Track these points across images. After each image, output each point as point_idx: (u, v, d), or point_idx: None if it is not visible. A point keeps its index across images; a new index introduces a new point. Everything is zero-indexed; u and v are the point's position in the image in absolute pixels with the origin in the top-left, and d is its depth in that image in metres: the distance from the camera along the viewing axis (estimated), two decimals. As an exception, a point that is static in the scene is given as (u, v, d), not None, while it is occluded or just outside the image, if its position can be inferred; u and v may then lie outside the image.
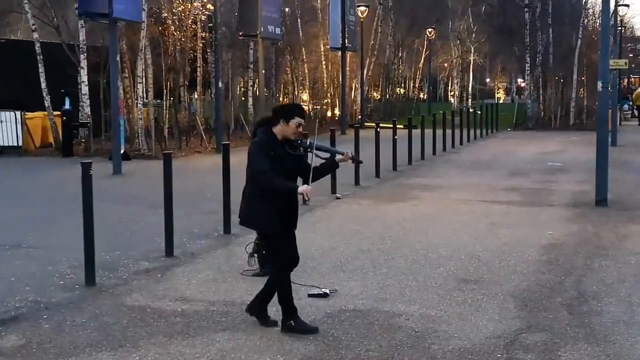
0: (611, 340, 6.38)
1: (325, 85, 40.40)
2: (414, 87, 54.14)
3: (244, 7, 27.73)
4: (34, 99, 23.87)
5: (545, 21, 37.62)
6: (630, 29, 68.57)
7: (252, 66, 30.77)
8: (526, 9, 37.24)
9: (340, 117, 36.63)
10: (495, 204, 13.55)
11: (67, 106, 22.85)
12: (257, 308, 6.64)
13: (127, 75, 24.36)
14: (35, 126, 24.20)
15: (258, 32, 26.93)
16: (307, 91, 40.11)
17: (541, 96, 38.85)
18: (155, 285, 8.08)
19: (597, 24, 36.21)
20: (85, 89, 23.65)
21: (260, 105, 28.27)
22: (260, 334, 6.45)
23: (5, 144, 23.48)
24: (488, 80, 76.74)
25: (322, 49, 39.11)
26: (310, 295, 7.55)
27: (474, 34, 56.12)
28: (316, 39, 38.79)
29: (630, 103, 46.12)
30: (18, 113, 23.39)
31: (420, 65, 54.09)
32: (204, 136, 25.66)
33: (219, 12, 26.19)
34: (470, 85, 60.22)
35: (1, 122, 23.49)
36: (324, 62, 39.76)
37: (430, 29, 50.24)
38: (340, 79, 36.51)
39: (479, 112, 32.00)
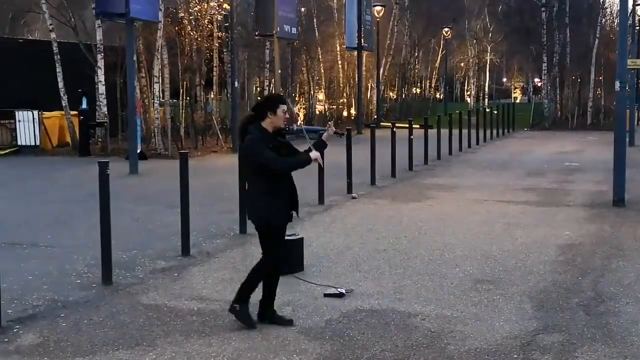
0: (628, 341, 6.34)
1: (341, 85, 40.39)
2: (430, 86, 54.06)
3: (260, 7, 27.78)
4: (51, 99, 24.02)
5: (562, 21, 37.46)
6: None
7: (268, 66, 30.79)
8: (543, 9, 37.09)
9: (356, 116, 36.62)
10: (512, 204, 13.50)
11: (84, 106, 22.97)
12: (237, 298, 6.68)
13: (144, 75, 24.46)
14: (53, 125, 24.35)
15: (274, 32, 26.97)
16: (322, 91, 40.12)
17: (558, 96, 38.70)
18: (171, 284, 8.11)
19: (615, 23, 36.04)
20: (102, 88, 23.77)
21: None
22: (276, 334, 6.45)
23: (23, 143, 23.65)
24: (504, 80, 76.48)
25: (338, 49, 39.10)
26: (326, 295, 7.55)
27: (490, 34, 55.99)
28: (332, 38, 38.79)
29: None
30: (35, 112, 23.55)
31: (437, 64, 54.00)
32: (220, 136, 25.72)
33: (235, 12, 26.24)
34: (486, 85, 60.06)
35: (19, 121, 23.66)
36: (339, 62, 39.75)
37: (446, 29, 50.14)
38: (356, 79, 36.50)
39: (496, 112, 31.90)
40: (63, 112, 24.17)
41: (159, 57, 23.71)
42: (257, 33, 28.57)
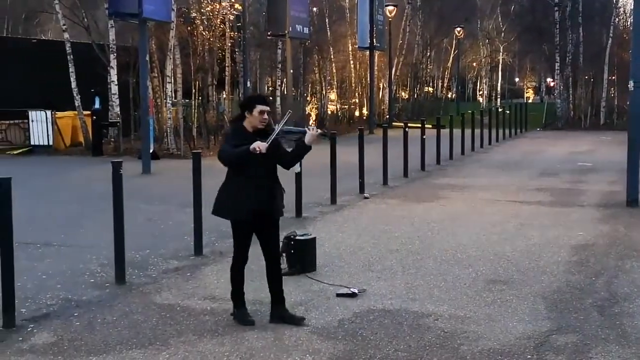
0: (643, 342, 6.31)
1: (353, 85, 40.36)
2: (442, 86, 53.96)
3: (272, 7, 27.78)
4: (64, 99, 24.11)
5: (575, 20, 37.33)
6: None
7: (280, 66, 30.81)
8: (556, 8, 36.95)
9: (368, 116, 36.59)
10: (525, 204, 13.46)
11: (96, 105, 23.06)
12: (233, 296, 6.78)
13: (156, 75, 24.52)
14: (66, 125, 24.45)
15: (286, 31, 26.96)
16: (334, 91, 40.11)
17: (571, 96, 38.56)
18: (184, 283, 8.13)
19: (628, 23, 35.91)
20: (114, 88, 23.87)
21: (288, 105, 28.30)
22: (289, 333, 6.45)
23: (36, 143, 23.76)
24: (517, 79, 76.28)
25: (350, 49, 39.07)
26: (338, 295, 7.54)
27: (502, 33, 55.82)
28: (344, 38, 38.76)
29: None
30: (48, 112, 23.65)
31: (449, 64, 53.89)
32: (232, 135, 25.68)
33: (247, 12, 26.30)
34: (499, 84, 59.90)
35: (32, 121, 23.77)
36: (351, 62, 39.71)
37: (458, 28, 50.00)
38: (368, 79, 36.47)
39: (508, 112, 31.82)
40: (76, 112, 24.28)
41: (171, 57, 23.77)
42: (269, 33, 28.58)
